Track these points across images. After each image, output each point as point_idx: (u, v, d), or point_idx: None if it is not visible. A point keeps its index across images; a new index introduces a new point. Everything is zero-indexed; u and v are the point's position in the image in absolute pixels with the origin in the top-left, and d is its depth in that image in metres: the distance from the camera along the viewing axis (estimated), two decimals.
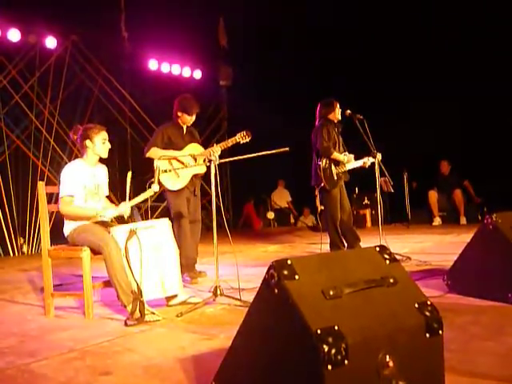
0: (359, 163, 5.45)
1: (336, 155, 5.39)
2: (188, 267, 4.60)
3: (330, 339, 1.27)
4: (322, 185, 5.34)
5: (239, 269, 3.64)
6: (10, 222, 7.88)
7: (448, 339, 2.43)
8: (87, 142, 3.61)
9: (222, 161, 3.77)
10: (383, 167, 5.11)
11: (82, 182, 3.57)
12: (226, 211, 11.75)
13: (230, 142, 4.53)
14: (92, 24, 8.69)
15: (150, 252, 3.37)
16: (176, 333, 2.95)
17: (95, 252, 3.41)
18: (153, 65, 10.19)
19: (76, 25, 8.73)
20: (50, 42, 8.50)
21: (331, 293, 1.41)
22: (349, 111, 5.18)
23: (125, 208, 3.62)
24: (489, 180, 8.34)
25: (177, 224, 4.60)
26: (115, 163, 9.47)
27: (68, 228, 3.56)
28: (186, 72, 10.78)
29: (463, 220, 8.59)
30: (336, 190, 5.40)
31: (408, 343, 1.41)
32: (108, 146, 3.68)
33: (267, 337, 1.47)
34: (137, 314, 3.16)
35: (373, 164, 5.20)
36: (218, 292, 3.49)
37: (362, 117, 5.13)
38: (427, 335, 1.46)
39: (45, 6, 7.83)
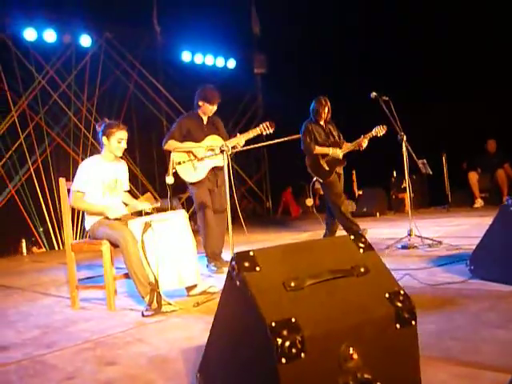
0: (352, 146, 5.53)
1: (319, 149, 5.55)
2: (213, 257, 4.64)
3: (285, 332, 1.24)
4: (315, 179, 5.42)
5: None
6: (53, 217, 8.20)
7: (456, 327, 2.36)
8: (104, 138, 3.68)
9: (234, 150, 3.76)
10: (410, 149, 4.95)
11: (100, 178, 3.65)
12: (266, 199, 11.75)
13: (251, 134, 4.52)
14: (125, 20, 8.86)
15: (166, 244, 3.42)
16: (189, 323, 2.98)
17: (114, 245, 3.50)
18: (186, 56, 10.28)
19: (109, 22, 8.93)
20: (85, 41, 8.74)
21: (292, 284, 1.37)
22: (374, 93, 5.03)
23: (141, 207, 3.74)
24: None
25: (200, 214, 4.64)
26: (153, 157, 9.64)
27: (89, 222, 3.66)
28: (220, 62, 10.82)
29: None
30: (333, 177, 5.49)
31: (375, 334, 1.36)
32: (124, 146, 3.72)
33: (231, 329, 1.46)
34: (154, 304, 3.23)
35: (400, 146, 5.05)
36: None
37: (387, 98, 4.99)
38: (397, 326, 1.40)
39: (77, 5, 8.04)
